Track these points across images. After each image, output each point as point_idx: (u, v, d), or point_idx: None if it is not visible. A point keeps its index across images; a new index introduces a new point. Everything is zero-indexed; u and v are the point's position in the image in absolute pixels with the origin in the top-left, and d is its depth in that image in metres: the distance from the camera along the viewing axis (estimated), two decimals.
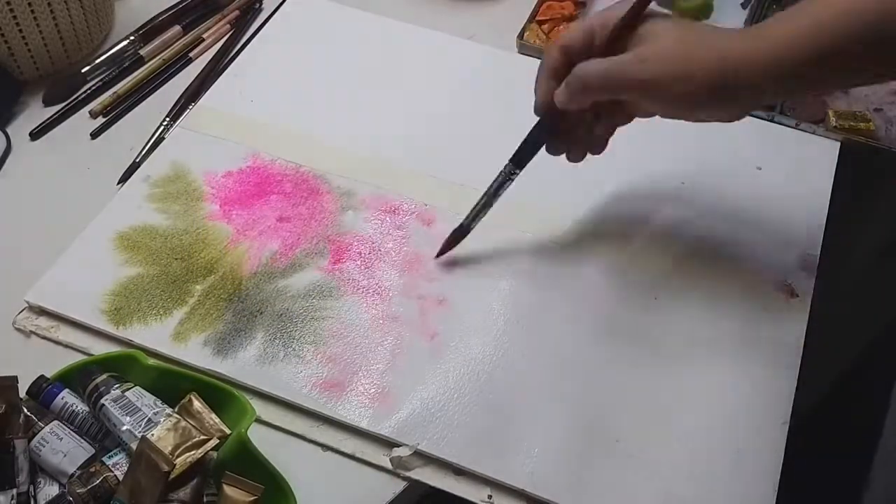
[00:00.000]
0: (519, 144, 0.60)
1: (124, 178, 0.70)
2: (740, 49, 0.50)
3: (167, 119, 0.75)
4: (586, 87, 0.54)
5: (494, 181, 0.61)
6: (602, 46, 0.54)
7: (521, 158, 0.60)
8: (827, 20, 0.48)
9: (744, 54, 0.50)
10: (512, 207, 0.67)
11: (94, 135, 0.74)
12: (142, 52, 0.80)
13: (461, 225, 0.63)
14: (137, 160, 0.71)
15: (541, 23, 0.81)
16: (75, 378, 0.53)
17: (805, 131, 0.74)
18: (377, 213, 0.67)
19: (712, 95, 0.51)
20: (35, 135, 0.74)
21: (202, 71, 0.79)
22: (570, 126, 0.58)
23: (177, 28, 0.82)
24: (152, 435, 0.49)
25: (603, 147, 0.59)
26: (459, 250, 0.64)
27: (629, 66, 0.52)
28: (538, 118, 0.59)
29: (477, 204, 0.62)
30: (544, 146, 0.60)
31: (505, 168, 0.61)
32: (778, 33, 0.50)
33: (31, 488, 0.50)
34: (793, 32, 0.49)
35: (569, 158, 0.60)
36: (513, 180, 0.61)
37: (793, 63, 0.49)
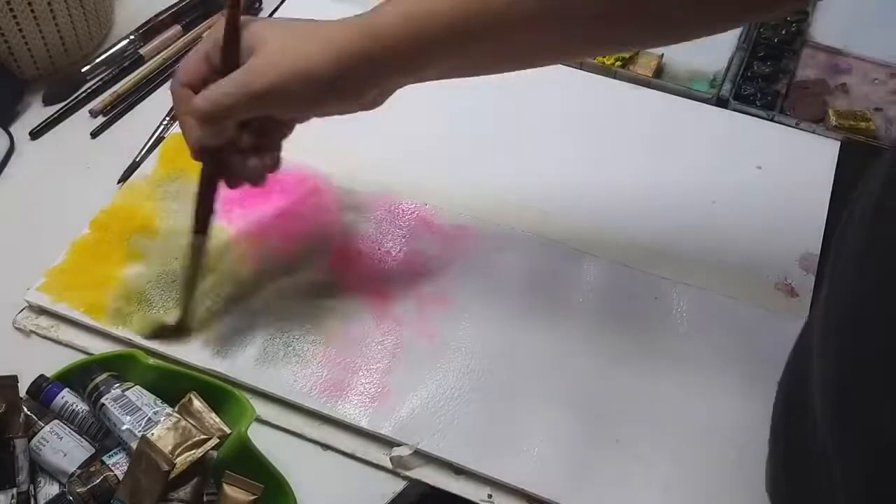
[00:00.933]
0: (194, 211, 0.56)
1: (125, 178, 0.70)
2: (345, 35, 0.49)
3: (167, 118, 0.75)
4: (212, 114, 0.51)
5: (190, 256, 0.57)
6: (218, 66, 0.52)
7: (203, 222, 0.56)
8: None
9: (350, 40, 0.49)
10: (511, 207, 0.67)
11: (95, 134, 0.74)
12: (142, 51, 0.80)
13: (178, 323, 0.59)
14: (138, 159, 0.71)
15: None
16: (75, 377, 0.53)
17: (805, 130, 0.74)
18: (377, 212, 0.67)
19: (333, 87, 0.50)
20: (35, 134, 0.74)
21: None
22: (234, 160, 0.55)
23: (177, 27, 0.82)
24: (152, 434, 0.49)
25: (277, 166, 0.56)
26: (459, 249, 0.64)
27: (244, 83, 0.50)
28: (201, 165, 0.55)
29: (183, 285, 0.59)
30: (222, 184, 0.56)
31: (192, 240, 0.57)
32: (376, 14, 0.49)
33: (32, 488, 0.50)
34: (389, 10, 0.48)
35: (250, 184, 0.56)
36: (203, 248, 0.57)
37: (394, 39, 0.48)
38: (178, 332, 0.59)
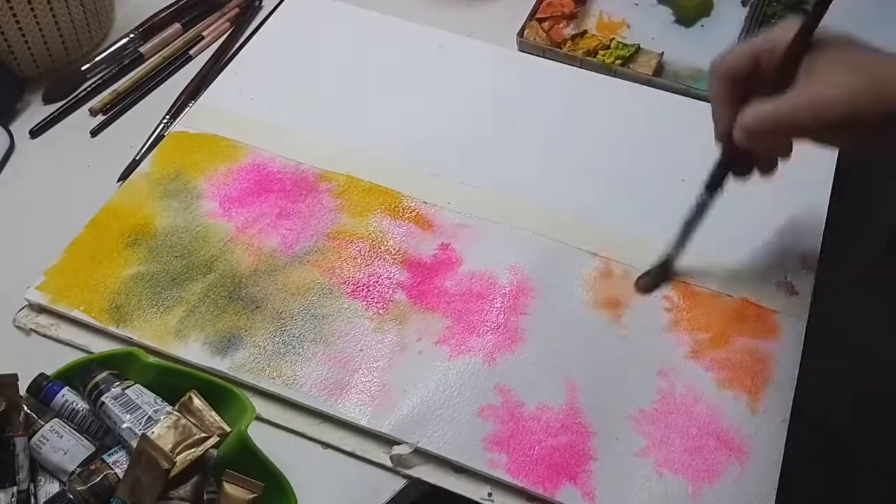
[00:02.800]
0: (710, 170, 0.59)
1: (124, 176, 0.70)
2: None
3: (167, 117, 0.75)
4: (757, 133, 0.52)
5: (692, 210, 0.60)
6: (770, 75, 0.51)
7: (713, 183, 0.59)
8: None
9: None
10: (511, 205, 0.67)
11: (94, 133, 0.74)
12: (141, 49, 0.80)
13: (665, 260, 0.62)
14: (137, 158, 0.71)
15: (541, 20, 0.81)
16: (75, 376, 0.53)
17: None
18: (377, 211, 0.67)
19: (885, 135, 0.49)
20: (35, 133, 0.74)
21: (202, 69, 0.79)
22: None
23: (176, 26, 0.82)
24: (152, 433, 0.49)
25: (790, 153, 0.55)
26: (460, 248, 0.64)
27: (798, 111, 0.49)
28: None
29: (677, 237, 0.62)
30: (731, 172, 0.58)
31: (699, 196, 0.60)
32: None
33: (32, 486, 0.50)
34: None
35: (761, 173, 0.58)
36: (709, 207, 0.60)
37: None
38: (662, 274, 0.62)
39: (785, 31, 0.51)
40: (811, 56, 0.50)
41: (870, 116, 0.47)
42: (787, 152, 0.55)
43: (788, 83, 0.50)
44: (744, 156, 0.56)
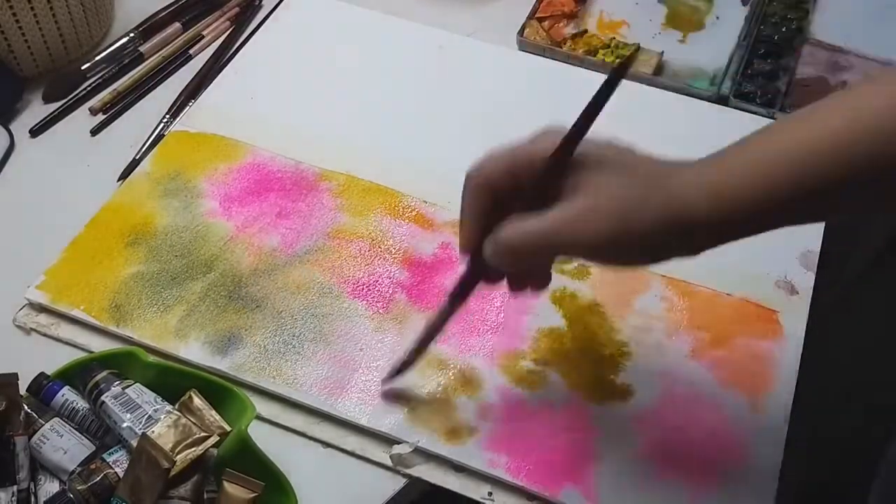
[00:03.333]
0: (456, 282, 0.52)
1: (124, 175, 0.70)
2: (688, 195, 0.43)
3: (167, 116, 0.75)
4: (514, 252, 0.46)
5: (437, 316, 0.54)
6: (529, 191, 0.46)
7: (458, 294, 0.52)
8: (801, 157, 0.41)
9: (694, 203, 0.42)
10: None
11: (95, 132, 0.74)
12: (141, 48, 0.80)
13: (403, 363, 0.56)
14: (137, 157, 0.71)
15: (541, 20, 0.81)
16: (76, 375, 0.53)
17: None
18: (378, 210, 0.67)
19: (659, 248, 0.44)
20: (35, 132, 0.74)
21: (202, 68, 0.79)
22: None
23: (176, 25, 0.82)
24: (153, 432, 0.49)
25: (547, 282, 0.51)
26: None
27: (560, 232, 0.44)
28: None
29: (418, 341, 0.55)
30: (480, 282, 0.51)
31: (443, 305, 0.53)
32: (733, 185, 0.42)
33: (32, 485, 0.50)
34: (756, 185, 0.42)
35: (510, 290, 0.51)
36: (454, 315, 0.53)
37: (754, 218, 0.43)
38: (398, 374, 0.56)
39: (545, 141, 0.45)
40: (576, 170, 0.44)
41: (644, 236, 0.43)
42: (545, 275, 0.50)
43: (551, 200, 0.44)
44: (490, 276, 0.50)
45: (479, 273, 0.50)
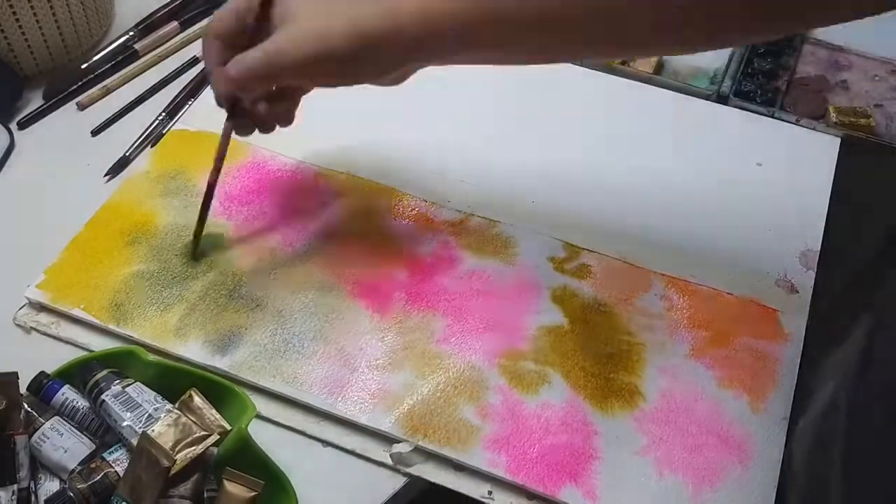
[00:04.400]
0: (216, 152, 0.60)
1: (112, 171, 0.70)
2: (370, 14, 0.49)
3: (163, 114, 0.75)
4: (237, 82, 0.53)
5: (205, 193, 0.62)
6: (250, 29, 0.53)
7: (219, 160, 0.61)
8: None
9: (373, 21, 0.48)
10: (511, 203, 0.67)
11: (95, 132, 0.74)
12: (136, 45, 0.80)
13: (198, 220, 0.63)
14: (128, 154, 0.71)
15: None
16: (76, 374, 0.53)
17: (805, 127, 0.74)
18: (378, 209, 0.67)
19: (354, 67, 0.51)
20: (31, 129, 0.74)
21: (203, 67, 0.79)
22: (251, 105, 0.57)
23: (174, 24, 0.82)
24: (153, 431, 0.49)
25: (290, 121, 0.59)
26: (460, 246, 0.64)
27: (271, 57, 0.51)
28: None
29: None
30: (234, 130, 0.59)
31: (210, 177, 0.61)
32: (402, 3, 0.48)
33: (32, 484, 0.50)
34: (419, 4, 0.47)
35: (260, 132, 0.59)
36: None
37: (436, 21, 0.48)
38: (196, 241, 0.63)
39: None
40: (283, 4, 0.52)
41: (341, 53, 0.49)
42: (289, 116, 0.58)
43: (268, 34, 0.52)
44: (242, 115, 0.58)
45: (235, 115, 0.57)
